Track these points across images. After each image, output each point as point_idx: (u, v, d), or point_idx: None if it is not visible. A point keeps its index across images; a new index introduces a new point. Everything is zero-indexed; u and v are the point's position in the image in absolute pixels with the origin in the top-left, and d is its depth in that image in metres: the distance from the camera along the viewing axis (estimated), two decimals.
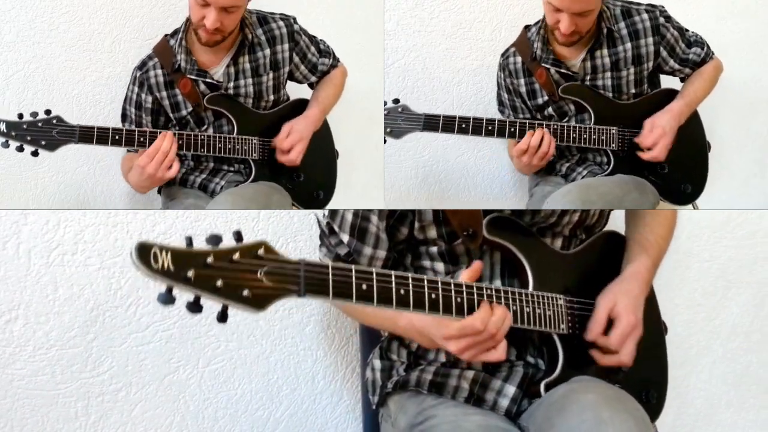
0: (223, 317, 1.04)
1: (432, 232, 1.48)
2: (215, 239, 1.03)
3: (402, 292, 1.21)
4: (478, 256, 1.46)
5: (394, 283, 1.20)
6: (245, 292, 1.03)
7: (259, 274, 1.04)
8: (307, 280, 1.09)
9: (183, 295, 1.01)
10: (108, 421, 1.77)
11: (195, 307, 1.01)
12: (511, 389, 1.44)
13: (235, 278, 1.02)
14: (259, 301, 1.04)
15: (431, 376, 1.48)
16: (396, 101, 1.86)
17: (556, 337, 1.44)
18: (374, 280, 1.18)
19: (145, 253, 0.97)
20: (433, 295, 1.25)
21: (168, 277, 0.98)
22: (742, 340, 2.21)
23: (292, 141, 1.95)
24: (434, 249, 1.49)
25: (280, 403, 1.88)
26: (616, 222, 1.67)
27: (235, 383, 1.85)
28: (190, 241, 1.02)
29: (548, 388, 1.41)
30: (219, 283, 1.01)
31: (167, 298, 0.99)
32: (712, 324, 2.19)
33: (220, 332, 1.81)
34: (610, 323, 1.45)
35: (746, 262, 2.20)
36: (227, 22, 1.81)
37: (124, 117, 1.97)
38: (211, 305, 1.03)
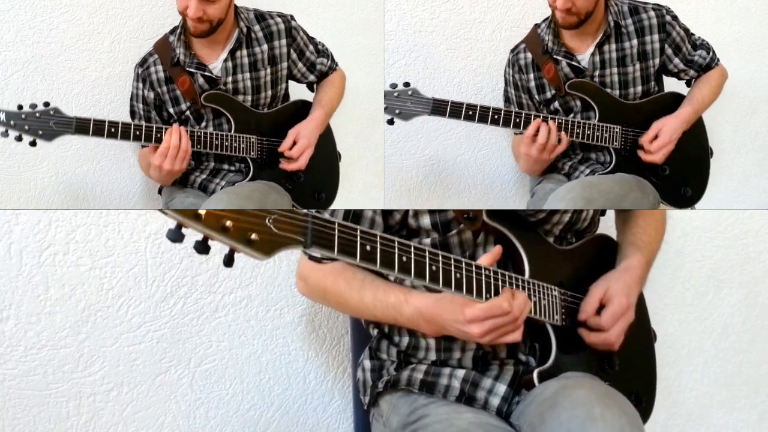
0: (229, 261, 1.02)
1: (425, 220, 1.43)
2: None
3: (404, 259, 1.19)
4: (472, 248, 1.43)
5: (396, 249, 1.18)
6: (253, 236, 1.00)
7: (267, 221, 1.02)
8: (314, 233, 1.07)
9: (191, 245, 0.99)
10: (99, 421, 1.72)
11: (203, 246, 0.99)
12: (502, 388, 1.40)
13: (244, 221, 1.00)
14: (266, 247, 1.01)
15: (422, 375, 1.44)
16: (406, 84, 1.82)
17: (549, 328, 1.40)
18: (378, 243, 1.15)
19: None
20: (434, 267, 1.23)
21: (179, 213, 0.97)
22: (734, 339, 2.18)
23: (301, 148, 1.90)
24: (427, 241, 1.44)
25: (271, 404, 1.84)
26: (606, 230, 1.63)
27: (227, 383, 1.80)
28: None
29: (541, 377, 1.38)
30: (228, 223, 0.98)
31: (176, 235, 0.97)
32: (703, 324, 2.16)
33: (212, 332, 1.78)
34: (602, 309, 1.43)
35: (738, 262, 2.18)
36: (210, 11, 1.78)
37: (132, 114, 1.92)
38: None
